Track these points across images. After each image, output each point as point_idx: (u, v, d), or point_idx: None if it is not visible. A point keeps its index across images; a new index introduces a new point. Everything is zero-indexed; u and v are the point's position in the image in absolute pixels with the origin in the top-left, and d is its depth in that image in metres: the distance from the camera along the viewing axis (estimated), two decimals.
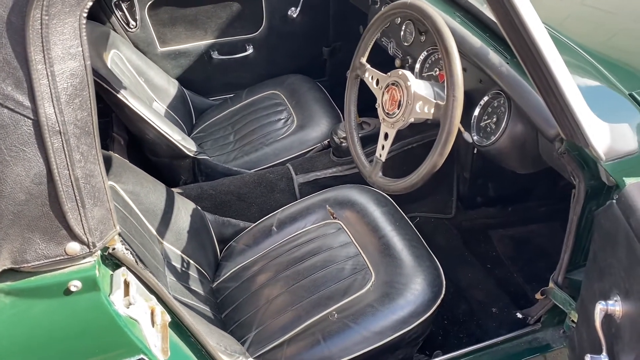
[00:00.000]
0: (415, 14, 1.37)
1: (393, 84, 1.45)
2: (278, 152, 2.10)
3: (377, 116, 1.51)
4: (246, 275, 1.64)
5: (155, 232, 1.50)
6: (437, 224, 2.17)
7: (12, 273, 0.85)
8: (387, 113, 1.46)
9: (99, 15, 2.19)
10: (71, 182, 0.81)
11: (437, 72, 1.67)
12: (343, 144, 1.95)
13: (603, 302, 1.06)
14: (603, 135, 1.13)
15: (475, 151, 1.94)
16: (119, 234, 0.93)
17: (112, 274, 0.95)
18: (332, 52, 2.65)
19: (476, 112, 1.52)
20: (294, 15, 2.49)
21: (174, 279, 1.45)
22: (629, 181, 1.09)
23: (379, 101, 1.50)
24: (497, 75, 1.41)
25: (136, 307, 0.94)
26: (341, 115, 2.22)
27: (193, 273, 1.56)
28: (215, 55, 2.48)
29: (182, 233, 1.60)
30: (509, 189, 2.14)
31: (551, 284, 1.42)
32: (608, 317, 1.07)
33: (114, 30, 2.22)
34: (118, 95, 1.74)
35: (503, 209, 2.17)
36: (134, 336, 0.92)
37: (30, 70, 0.74)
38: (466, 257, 2.05)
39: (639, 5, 1.72)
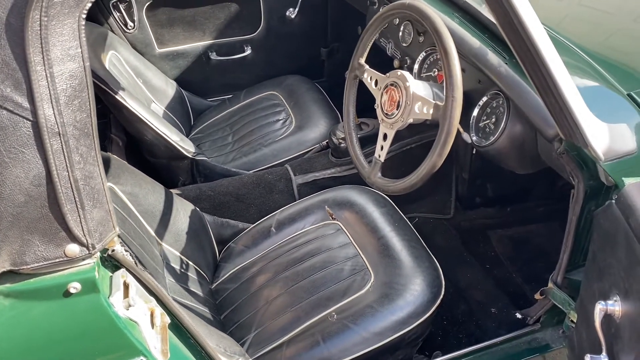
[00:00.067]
0: (414, 15, 1.38)
1: (392, 85, 1.45)
2: (277, 153, 2.10)
3: (375, 117, 1.52)
4: (245, 277, 1.64)
5: (154, 234, 1.49)
6: (436, 225, 2.17)
7: (11, 275, 0.84)
8: (386, 114, 1.46)
9: (96, 16, 2.19)
10: (70, 183, 0.81)
11: (436, 73, 1.67)
12: (342, 145, 1.95)
13: (602, 302, 1.06)
14: (602, 136, 1.13)
15: (474, 151, 1.94)
16: (118, 236, 0.93)
17: (111, 276, 0.94)
18: (331, 52, 2.65)
19: (475, 112, 1.53)
20: (292, 16, 2.49)
21: (173, 281, 1.45)
22: (628, 181, 1.09)
23: (377, 102, 1.50)
24: (496, 76, 1.41)
25: (136, 309, 0.94)
26: (340, 116, 2.22)
27: (192, 274, 1.56)
28: (213, 56, 2.48)
29: (181, 234, 1.60)
30: (507, 189, 2.14)
31: (550, 284, 1.42)
32: (607, 317, 1.07)
33: (112, 31, 2.21)
34: (116, 96, 1.74)
35: (502, 209, 2.18)
36: (134, 338, 0.92)
37: (30, 72, 0.74)
38: (465, 258, 2.05)
39: (636, 5, 1.73)
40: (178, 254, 1.55)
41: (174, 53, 2.42)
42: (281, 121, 2.25)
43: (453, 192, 2.17)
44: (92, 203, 0.84)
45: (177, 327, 1.06)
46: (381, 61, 1.76)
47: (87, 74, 0.79)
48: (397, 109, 1.42)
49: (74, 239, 0.84)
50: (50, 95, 0.76)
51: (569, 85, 1.07)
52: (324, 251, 1.60)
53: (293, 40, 2.56)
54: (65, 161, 0.79)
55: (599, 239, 1.17)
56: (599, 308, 1.06)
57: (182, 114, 2.35)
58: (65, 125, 0.78)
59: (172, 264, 1.50)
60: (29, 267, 0.83)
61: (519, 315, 1.59)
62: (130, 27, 2.27)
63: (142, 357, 0.94)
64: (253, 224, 1.80)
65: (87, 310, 0.89)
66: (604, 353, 1.08)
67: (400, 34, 1.83)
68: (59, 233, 0.83)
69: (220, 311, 1.59)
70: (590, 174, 1.23)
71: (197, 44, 2.45)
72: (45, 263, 0.84)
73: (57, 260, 0.84)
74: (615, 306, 1.05)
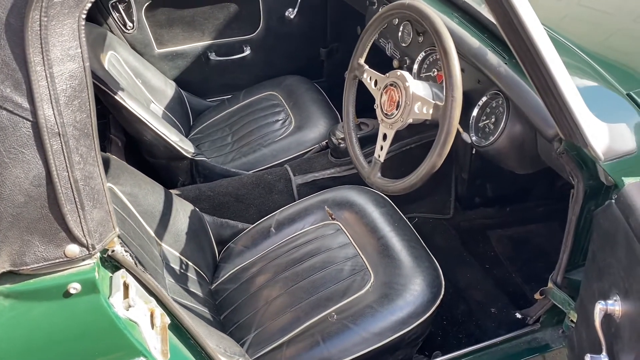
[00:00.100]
0: (414, 15, 1.38)
1: (391, 85, 1.45)
2: (276, 153, 2.10)
3: (375, 117, 1.52)
4: (245, 277, 1.64)
5: (153, 234, 1.49)
6: (436, 225, 2.17)
7: (11, 275, 0.84)
8: (386, 114, 1.46)
9: (96, 16, 2.19)
10: (70, 184, 0.80)
11: (436, 73, 1.67)
12: (341, 145, 1.95)
13: (602, 302, 1.06)
14: (601, 135, 1.13)
15: (473, 151, 1.94)
16: (118, 236, 0.93)
17: (111, 276, 0.94)
18: (330, 53, 2.65)
19: (475, 112, 1.52)
20: (292, 16, 2.49)
21: (173, 281, 1.45)
22: (628, 181, 1.09)
23: (377, 102, 1.50)
24: (496, 76, 1.41)
25: (136, 310, 0.93)
26: (339, 116, 2.22)
27: (192, 275, 1.56)
28: (212, 56, 2.47)
29: (181, 235, 1.60)
30: (507, 189, 2.14)
31: (550, 284, 1.42)
32: (607, 317, 1.07)
33: (111, 31, 2.21)
34: (115, 96, 1.74)
35: (501, 209, 2.18)
36: (134, 338, 0.92)
37: (29, 72, 0.74)
38: (465, 258, 2.05)
39: (635, 5, 1.73)
40: (178, 254, 1.55)
41: (173, 53, 2.42)
42: (280, 121, 2.25)
43: (453, 192, 2.17)
44: (92, 203, 0.84)
45: (177, 327, 1.06)
46: (381, 61, 1.76)
47: (87, 74, 0.79)
48: (396, 109, 1.42)
49: (74, 239, 0.84)
50: (50, 95, 0.76)
51: (569, 85, 1.07)
52: (323, 251, 1.60)
53: (292, 41, 2.56)
54: (65, 161, 0.79)
55: (599, 238, 1.17)
56: (599, 308, 1.06)
57: (181, 114, 2.35)
58: (65, 125, 0.78)
59: (172, 265, 1.50)
60: (28, 267, 0.83)
61: (518, 315, 1.59)
62: (129, 28, 2.27)
63: (142, 358, 0.94)
64: (252, 224, 1.80)
65: (87, 310, 0.89)
66: (604, 353, 1.08)
67: (400, 34, 1.83)
68: (59, 233, 0.83)
69: (220, 311, 1.59)
70: (590, 173, 1.23)
71: (196, 45, 2.45)
72: (45, 263, 0.84)
73: (57, 260, 0.84)
74: (615, 306, 1.05)
